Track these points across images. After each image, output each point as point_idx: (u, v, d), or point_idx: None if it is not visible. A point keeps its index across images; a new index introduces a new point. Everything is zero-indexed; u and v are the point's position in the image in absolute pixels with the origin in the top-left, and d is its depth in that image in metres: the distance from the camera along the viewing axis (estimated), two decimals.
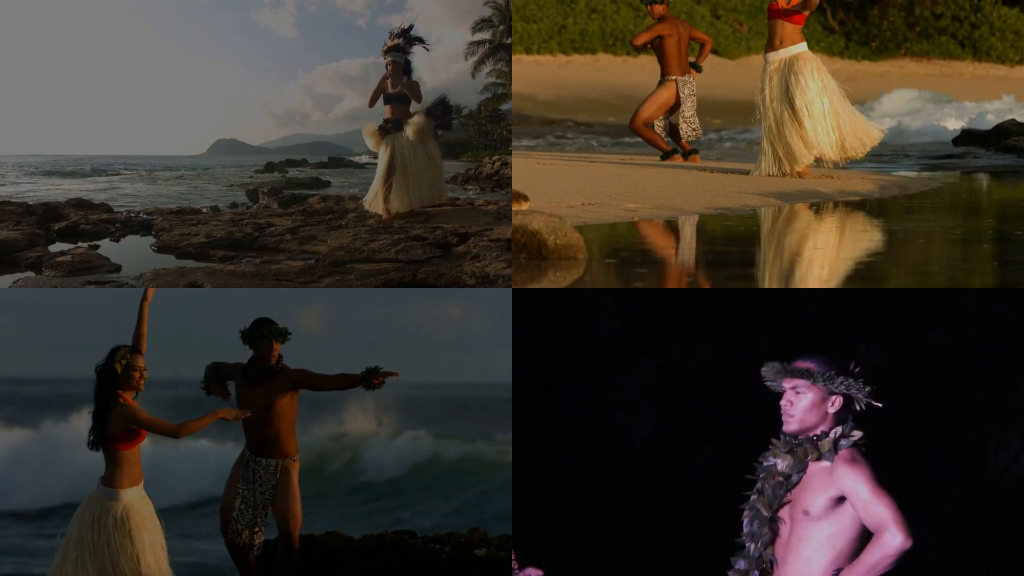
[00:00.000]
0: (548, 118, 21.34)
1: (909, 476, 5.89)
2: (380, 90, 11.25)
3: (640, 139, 13.85)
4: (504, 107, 23.09)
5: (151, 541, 5.43)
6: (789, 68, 11.75)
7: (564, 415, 6.42)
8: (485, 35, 23.08)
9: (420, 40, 11.37)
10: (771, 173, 11.91)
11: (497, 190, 16.72)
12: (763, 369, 4.44)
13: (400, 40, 11.30)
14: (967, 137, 18.32)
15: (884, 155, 17.01)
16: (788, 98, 11.72)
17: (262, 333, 5.97)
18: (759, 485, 4.46)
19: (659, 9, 13.19)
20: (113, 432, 5.40)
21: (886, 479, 4.27)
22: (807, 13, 11.78)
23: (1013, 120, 18.50)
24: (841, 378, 4.36)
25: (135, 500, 5.43)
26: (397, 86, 11.30)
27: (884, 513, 4.22)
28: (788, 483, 4.39)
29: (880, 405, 4.35)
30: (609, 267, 7.72)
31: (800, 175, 11.82)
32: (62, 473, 15.26)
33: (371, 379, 5.94)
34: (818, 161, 11.89)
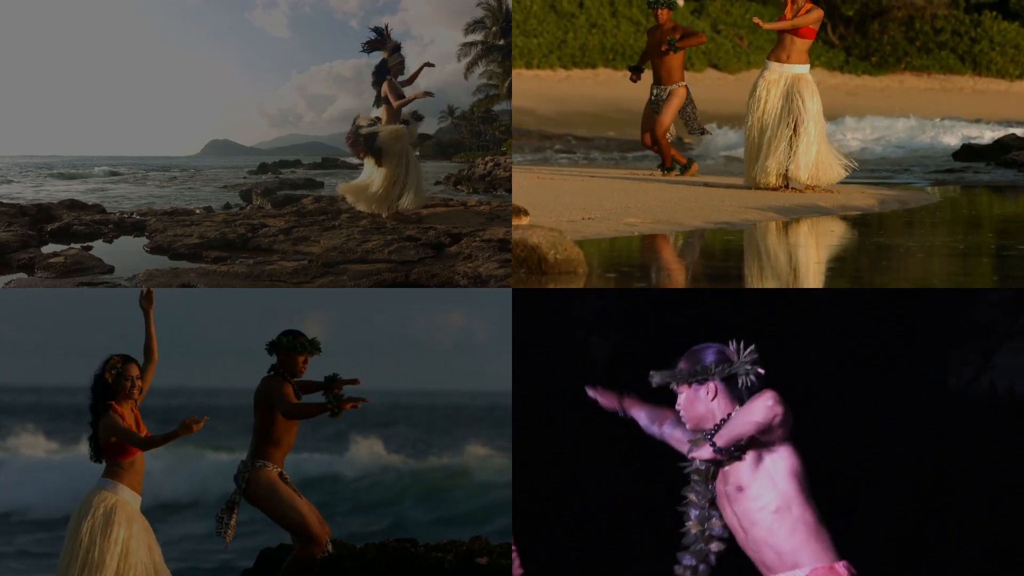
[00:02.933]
0: (548, 132, 21.34)
1: (870, 397, 5.89)
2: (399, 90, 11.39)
3: (646, 152, 13.81)
4: (497, 108, 23.17)
5: (127, 540, 5.31)
6: (791, 86, 11.71)
7: (565, 414, 6.42)
8: (478, 36, 23.18)
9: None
10: (750, 184, 11.94)
11: (490, 191, 16.77)
12: (650, 378, 4.31)
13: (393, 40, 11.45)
14: (967, 151, 18.31)
15: (881, 170, 17.01)
16: (784, 114, 11.68)
17: (303, 344, 5.90)
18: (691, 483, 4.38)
19: (665, 14, 13.10)
20: (104, 443, 5.35)
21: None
22: (816, 28, 11.72)
23: (1013, 135, 18.49)
24: (706, 366, 4.22)
25: (128, 502, 5.35)
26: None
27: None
28: (708, 474, 4.30)
29: (762, 371, 4.18)
30: (608, 282, 7.71)
31: (803, 190, 11.80)
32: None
33: (338, 407, 5.65)
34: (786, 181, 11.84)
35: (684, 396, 4.28)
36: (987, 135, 20.25)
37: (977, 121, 22.45)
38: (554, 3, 28.65)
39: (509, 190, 16.51)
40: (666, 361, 4.47)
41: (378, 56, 11.51)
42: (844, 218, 11.06)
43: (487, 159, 18.40)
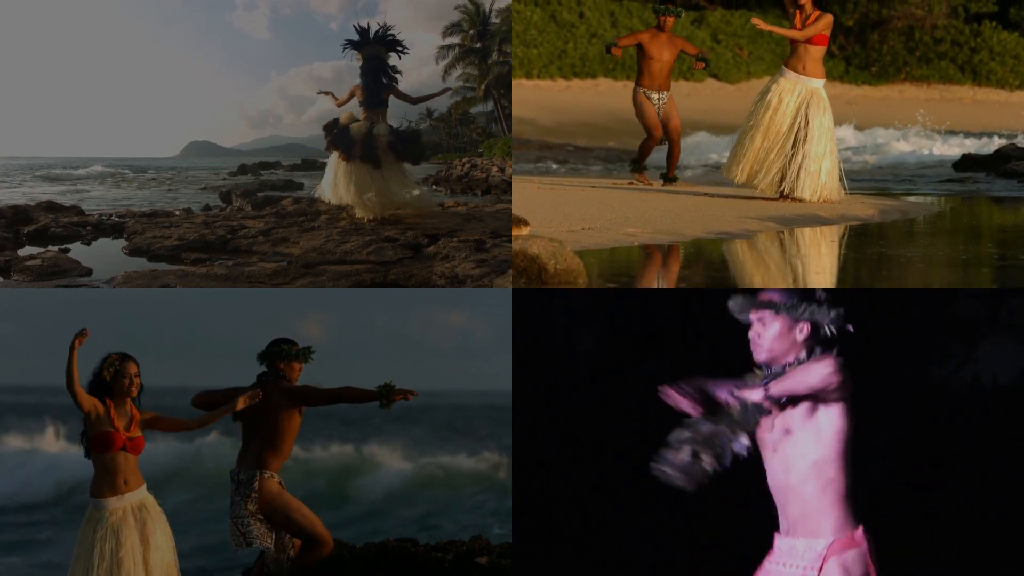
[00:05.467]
0: (548, 143, 21.36)
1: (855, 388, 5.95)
2: None
3: (647, 162, 13.77)
4: (474, 110, 23.36)
5: (114, 551, 5.32)
6: (804, 101, 11.67)
7: (565, 415, 6.41)
8: (455, 39, 23.39)
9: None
10: (733, 178, 11.94)
11: (467, 192, 16.84)
12: (729, 303, 4.42)
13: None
14: (967, 162, 18.32)
15: (880, 180, 17.02)
16: (790, 129, 11.67)
17: (300, 352, 5.93)
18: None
19: (672, 22, 13.12)
20: (91, 436, 5.39)
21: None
22: (828, 33, 11.68)
23: (1013, 145, 18.51)
24: (805, 305, 4.33)
25: (114, 510, 5.36)
26: None
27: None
28: (760, 409, 4.36)
29: (851, 329, 4.32)
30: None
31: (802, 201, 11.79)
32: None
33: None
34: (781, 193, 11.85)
35: (775, 327, 4.34)
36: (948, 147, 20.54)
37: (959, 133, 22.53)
38: (554, 13, 28.69)
39: (486, 191, 16.63)
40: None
41: (370, 59, 11.50)
42: (845, 228, 11.06)
43: (464, 160, 18.54)
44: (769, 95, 11.77)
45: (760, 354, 4.37)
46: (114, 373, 5.43)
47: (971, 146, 20.71)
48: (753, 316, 4.38)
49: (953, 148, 20.91)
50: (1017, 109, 27.55)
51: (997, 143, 20.29)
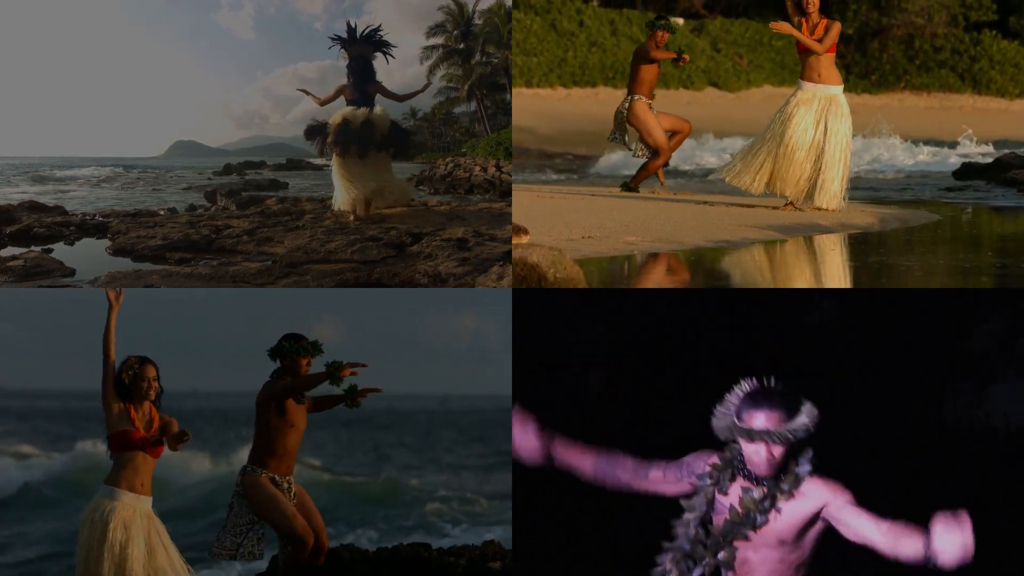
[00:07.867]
0: (548, 151, 21.36)
1: (863, 428, 5.89)
2: None
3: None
4: (457, 110, 23.56)
5: (123, 544, 5.31)
6: (827, 108, 11.68)
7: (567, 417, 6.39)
8: (439, 40, 23.60)
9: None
10: (744, 186, 11.90)
11: (450, 191, 16.94)
12: (717, 425, 4.54)
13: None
14: (967, 170, 18.31)
15: (880, 189, 17.01)
16: (812, 141, 11.67)
17: (305, 347, 5.92)
18: (696, 506, 4.56)
19: (666, 37, 13.10)
20: (109, 433, 5.38)
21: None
22: (835, 42, 11.71)
23: (1013, 153, 18.50)
24: (798, 424, 4.44)
25: (127, 505, 5.35)
26: None
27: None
28: (749, 520, 4.43)
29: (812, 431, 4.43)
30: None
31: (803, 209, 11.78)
32: None
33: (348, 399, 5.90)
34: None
35: (782, 448, 4.46)
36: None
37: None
38: (554, 22, 28.72)
39: (468, 190, 16.73)
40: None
41: (357, 58, 11.49)
42: (844, 237, 11.05)
43: (448, 160, 18.65)
44: (789, 107, 11.78)
45: (767, 471, 4.50)
46: (133, 376, 5.44)
47: (928, 156, 20.92)
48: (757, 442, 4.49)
49: (914, 157, 21.11)
50: (1018, 117, 27.58)
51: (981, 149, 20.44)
